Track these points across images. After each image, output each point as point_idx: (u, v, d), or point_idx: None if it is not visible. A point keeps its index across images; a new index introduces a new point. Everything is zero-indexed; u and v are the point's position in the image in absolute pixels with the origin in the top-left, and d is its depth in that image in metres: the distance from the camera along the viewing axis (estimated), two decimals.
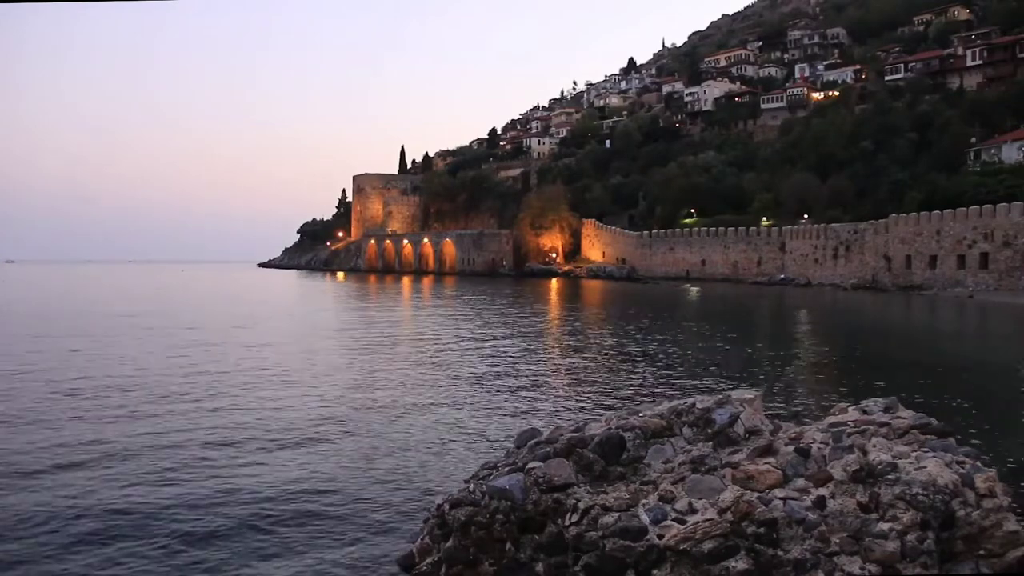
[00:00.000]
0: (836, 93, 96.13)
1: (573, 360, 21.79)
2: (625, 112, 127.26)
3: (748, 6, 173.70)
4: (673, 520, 5.36)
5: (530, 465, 5.98)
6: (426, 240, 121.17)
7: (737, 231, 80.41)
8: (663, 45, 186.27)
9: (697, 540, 5.21)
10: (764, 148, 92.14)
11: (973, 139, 69.91)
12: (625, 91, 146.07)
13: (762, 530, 5.19)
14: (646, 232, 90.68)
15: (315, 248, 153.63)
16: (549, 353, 24.03)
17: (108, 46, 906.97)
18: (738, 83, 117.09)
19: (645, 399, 14.59)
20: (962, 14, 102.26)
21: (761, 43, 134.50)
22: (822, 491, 5.36)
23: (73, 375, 18.25)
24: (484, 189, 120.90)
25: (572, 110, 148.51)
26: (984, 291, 51.54)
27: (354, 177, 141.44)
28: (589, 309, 46.48)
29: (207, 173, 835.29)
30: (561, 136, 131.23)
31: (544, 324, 34.73)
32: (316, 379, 18.19)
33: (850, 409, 6.58)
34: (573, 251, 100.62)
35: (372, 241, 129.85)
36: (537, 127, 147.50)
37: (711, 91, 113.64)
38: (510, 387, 16.87)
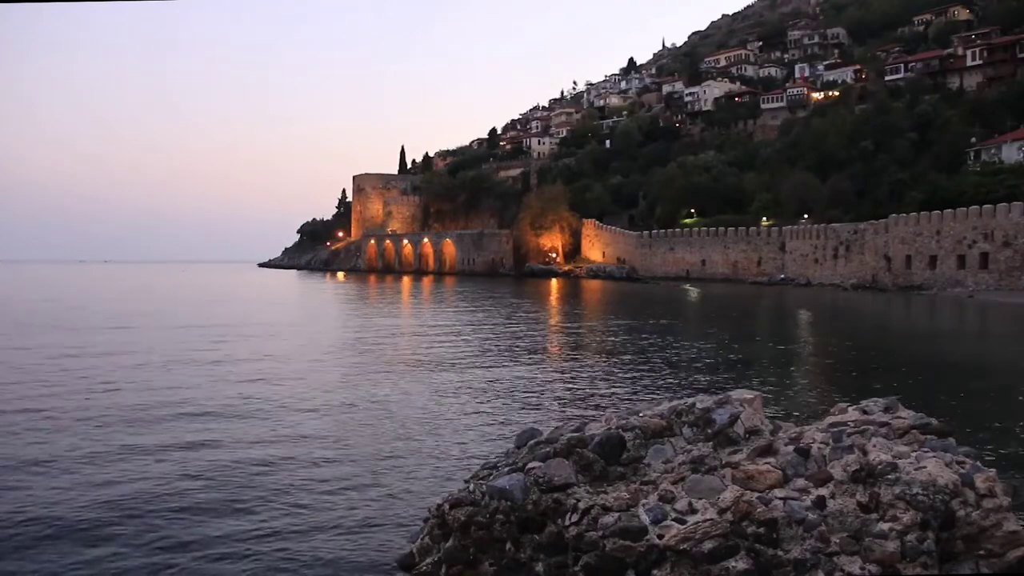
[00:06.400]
0: (836, 93, 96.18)
1: (573, 360, 21.79)
2: (625, 112, 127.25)
3: (748, 6, 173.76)
4: (673, 520, 5.37)
5: (530, 465, 5.99)
6: (426, 240, 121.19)
7: (737, 231, 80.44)
8: (663, 45, 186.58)
9: (697, 540, 5.21)
10: (764, 148, 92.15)
11: (973, 139, 69.90)
12: (625, 91, 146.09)
13: (762, 530, 5.19)
14: (646, 232, 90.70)
15: (315, 248, 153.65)
16: (549, 353, 24.03)
17: (103, 42, 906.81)
18: (738, 83, 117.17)
19: (645, 399, 14.60)
20: (962, 14, 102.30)
21: (761, 43, 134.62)
22: (822, 491, 5.36)
23: (60, 380, 18.26)
24: (484, 189, 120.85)
25: (572, 110, 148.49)
26: (984, 291, 51.55)
27: (354, 177, 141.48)
28: (589, 309, 46.49)
29: (205, 172, 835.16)
30: (561, 136, 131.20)
31: (544, 324, 34.74)
32: (315, 379, 18.18)
33: (850, 409, 6.58)
34: (573, 251, 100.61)
35: (372, 241, 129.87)
36: (537, 127, 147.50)
37: (711, 91, 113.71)
38: (510, 387, 16.87)
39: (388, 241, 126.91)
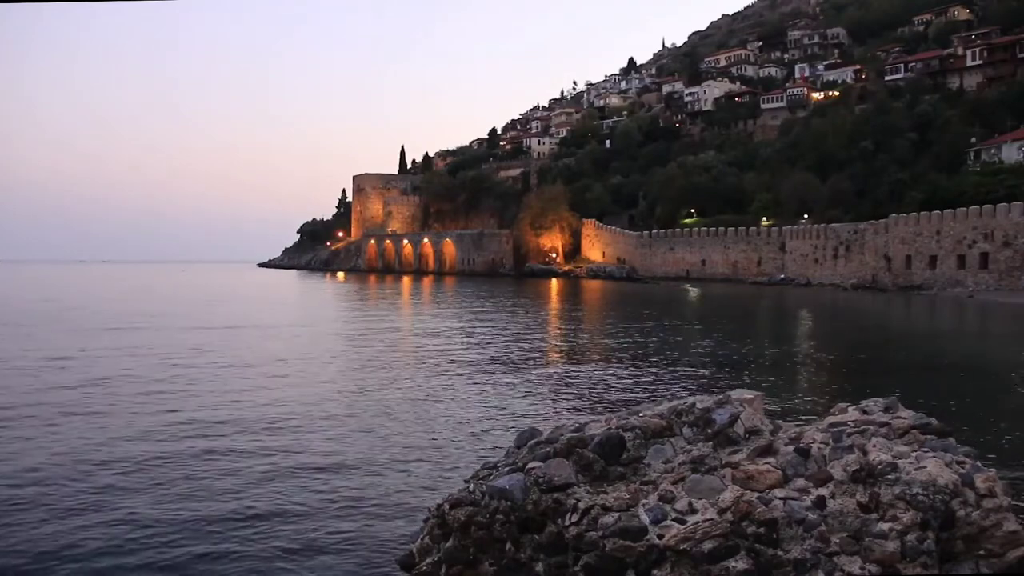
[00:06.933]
0: (836, 93, 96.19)
1: (573, 360, 21.79)
2: (625, 112, 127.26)
3: (748, 6, 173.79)
4: (673, 520, 5.36)
5: (530, 465, 5.98)
6: (426, 240, 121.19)
7: (737, 231, 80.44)
8: (663, 45, 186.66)
9: (697, 540, 5.21)
10: (764, 148, 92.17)
11: (973, 139, 69.90)
12: (625, 91, 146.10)
13: (762, 530, 5.19)
14: (646, 232, 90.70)
15: (315, 248, 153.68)
16: (549, 353, 24.03)
17: (103, 42, 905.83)
18: (738, 83, 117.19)
19: (645, 399, 14.60)
20: (962, 14, 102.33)
21: (761, 43, 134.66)
22: (822, 491, 5.36)
23: (68, 375, 18.26)
24: (484, 189, 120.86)
25: (572, 110, 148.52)
26: (984, 291, 51.56)
27: (354, 177, 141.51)
28: (589, 309, 46.50)
29: (205, 172, 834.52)
30: (561, 136, 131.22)
31: (544, 324, 34.74)
32: (315, 379, 18.19)
33: (850, 409, 6.57)
34: (573, 251, 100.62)
35: (372, 241, 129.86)
36: (537, 127, 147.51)
37: (711, 91, 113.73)
38: (510, 387, 16.87)
39: (388, 241, 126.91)
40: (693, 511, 5.39)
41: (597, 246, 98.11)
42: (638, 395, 15.60)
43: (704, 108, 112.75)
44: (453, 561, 5.94)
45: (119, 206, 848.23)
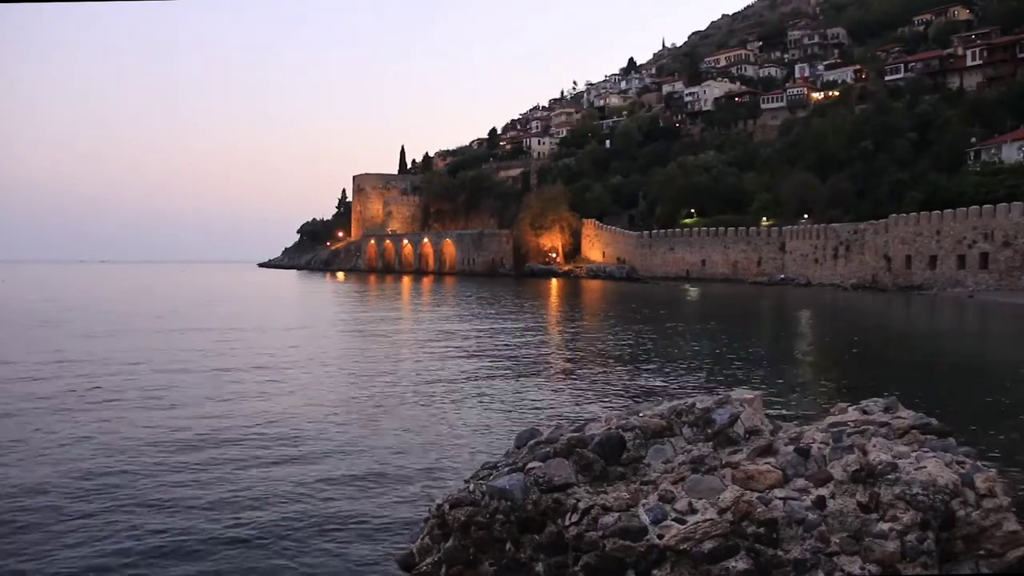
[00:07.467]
0: (836, 93, 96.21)
1: (573, 360, 21.79)
2: (625, 112, 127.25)
3: (748, 6, 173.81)
4: (673, 520, 5.37)
5: (530, 465, 5.99)
6: (426, 240, 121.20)
7: (737, 231, 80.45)
8: (663, 45, 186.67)
9: (697, 540, 5.21)
10: (764, 148, 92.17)
11: (973, 139, 69.91)
12: (625, 91, 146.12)
13: (762, 530, 5.19)
14: (646, 232, 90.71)
15: (315, 248, 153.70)
16: (549, 353, 24.02)
17: (103, 42, 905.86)
18: (738, 83, 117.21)
19: (645, 399, 14.59)
20: (962, 14, 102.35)
21: (761, 43, 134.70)
22: (822, 491, 5.36)
23: (74, 376, 18.26)
24: (484, 189, 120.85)
25: (572, 110, 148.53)
26: (984, 291, 51.55)
27: (354, 177, 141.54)
28: (589, 309, 46.50)
29: (205, 172, 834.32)
30: (561, 136, 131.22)
31: (544, 324, 34.74)
32: (315, 379, 18.19)
33: (850, 409, 6.58)
34: (573, 251, 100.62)
35: (372, 241, 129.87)
36: (537, 127, 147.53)
37: (711, 91, 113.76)
38: (510, 387, 16.87)
39: (388, 241, 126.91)
40: (693, 511, 5.39)
41: (597, 246, 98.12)
42: (638, 395, 15.60)
43: (704, 108, 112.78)
44: (453, 561, 5.94)
45: (119, 206, 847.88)
